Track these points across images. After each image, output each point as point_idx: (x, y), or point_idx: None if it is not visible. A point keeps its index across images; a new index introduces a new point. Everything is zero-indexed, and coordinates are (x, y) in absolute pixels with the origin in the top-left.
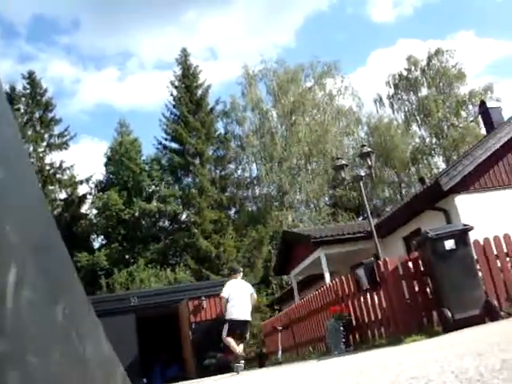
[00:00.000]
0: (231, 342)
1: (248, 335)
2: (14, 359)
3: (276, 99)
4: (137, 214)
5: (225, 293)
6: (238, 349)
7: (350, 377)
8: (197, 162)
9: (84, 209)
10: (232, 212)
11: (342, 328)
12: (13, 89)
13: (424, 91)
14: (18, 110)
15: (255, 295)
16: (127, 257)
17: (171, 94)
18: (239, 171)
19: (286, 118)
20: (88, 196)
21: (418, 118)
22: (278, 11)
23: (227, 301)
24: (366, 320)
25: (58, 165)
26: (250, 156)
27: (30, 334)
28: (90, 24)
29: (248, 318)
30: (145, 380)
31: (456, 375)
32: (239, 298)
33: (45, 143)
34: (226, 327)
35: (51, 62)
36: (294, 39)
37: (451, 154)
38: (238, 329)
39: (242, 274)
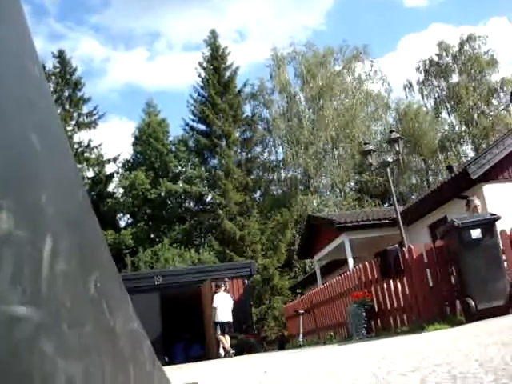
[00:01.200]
0: (223, 340)
1: (232, 329)
2: (48, 328)
3: (304, 82)
4: (163, 194)
5: (214, 303)
6: (228, 346)
7: (372, 361)
8: (223, 143)
9: (111, 188)
10: (257, 195)
11: (364, 314)
12: (43, 67)
13: (455, 78)
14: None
15: (232, 301)
16: (152, 236)
17: (199, 76)
18: (265, 154)
19: (313, 101)
20: (115, 175)
21: (447, 104)
22: None
23: (216, 309)
24: (389, 307)
25: (86, 143)
26: (277, 139)
27: (64, 304)
28: (119, 3)
29: (230, 319)
30: (166, 358)
31: (480, 363)
32: (223, 306)
33: (73, 122)
34: (218, 328)
35: (81, 41)
36: (325, 22)
37: (481, 142)
38: (226, 327)
39: (223, 287)
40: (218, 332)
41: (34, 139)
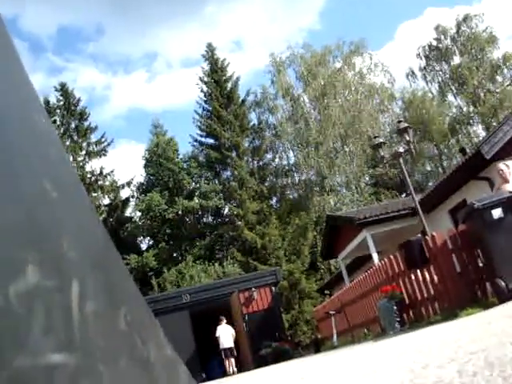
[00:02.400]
0: (227, 365)
1: (235, 353)
2: (85, 370)
3: (306, 84)
4: (180, 212)
5: (217, 333)
6: (231, 369)
7: (408, 356)
8: (233, 154)
9: (128, 212)
10: (273, 201)
11: (395, 307)
12: (47, 102)
13: (456, 59)
14: (54, 122)
15: (234, 332)
16: (175, 255)
17: (201, 90)
18: (276, 160)
19: (318, 101)
20: (131, 199)
21: (452, 87)
22: None
23: (219, 338)
24: (419, 297)
25: (98, 172)
26: (286, 143)
27: (98, 344)
28: (113, 30)
29: (232, 345)
30: (203, 375)
31: None
32: (225, 335)
33: (83, 152)
34: (222, 353)
35: (80, 71)
36: (319, 21)
37: (490, 120)
38: (228, 351)
39: (224, 321)
40: (223, 356)
41: (49, 187)
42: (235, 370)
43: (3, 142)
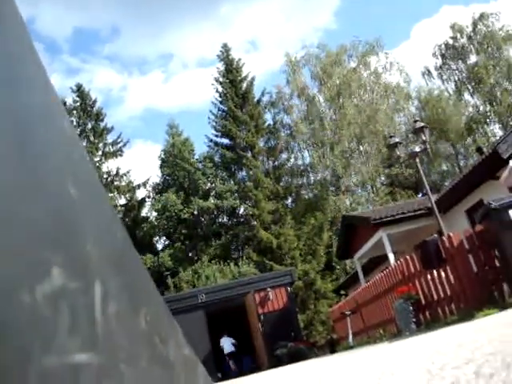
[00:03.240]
0: (231, 365)
1: (235, 355)
2: (108, 370)
3: (321, 83)
4: (196, 212)
5: (221, 343)
6: (233, 368)
7: (425, 357)
8: (249, 155)
9: (144, 212)
10: (289, 201)
11: (411, 308)
12: (64, 103)
13: (473, 58)
14: (71, 123)
15: (234, 341)
16: (190, 255)
17: (217, 91)
18: (292, 160)
19: (333, 101)
20: (147, 199)
21: (469, 86)
22: None
23: (223, 346)
24: (436, 298)
25: (114, 172)
26: (301, 143)
27: (120, 344)
28: (129, 31)
29: (233, 349)
30: (219, 375)
31: None
32: (227, 343)
33: (100, 152)
34: (226, 358)
35: (97, 72)
36: (334, 20)
37: (507, 119)
38: (230, 355)
39: (226, 333)
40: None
41: (72, 190)
42: (235, 367)
43: (28, 144)
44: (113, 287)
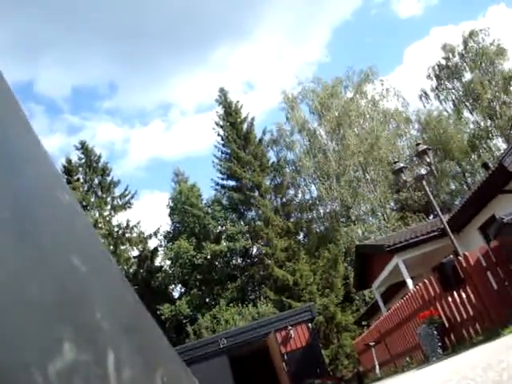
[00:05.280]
0: None
1: None
2: None
3: (321, 117)
4: (209, 256)
5: None
6: None
7: (453, 382)
8: (256, 194)
9: (158, 261)
10: (300, 236)
11: (435, 332)
12: (69, 161)
13: (467, 76)
14: (78, 180)
15: None
16: (208, 300)
17: (218, 134)
18: (299, 195)
19: (334, 133)
20: (159, 248)
21: (467, 103)
22: (304, 29)
23: None
24: (459, 319)
25: (125, 224)
26: (307, 178)
27: None
28: (125, 84)
29: None
30: None
31: None
32: None
33: (109, 206)
34: None
35: (99, 127)
36: (326, 53)
37: (509, 132)
38: None
39: None
40: None
41: (77, 261)
42: None
43: (29, 221)
44: (126, 353)
